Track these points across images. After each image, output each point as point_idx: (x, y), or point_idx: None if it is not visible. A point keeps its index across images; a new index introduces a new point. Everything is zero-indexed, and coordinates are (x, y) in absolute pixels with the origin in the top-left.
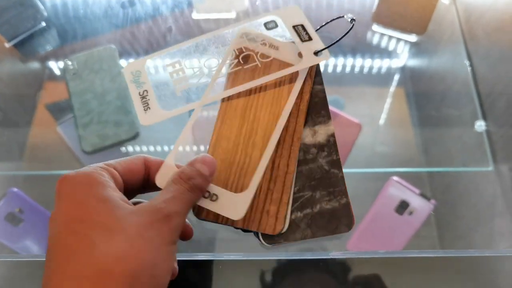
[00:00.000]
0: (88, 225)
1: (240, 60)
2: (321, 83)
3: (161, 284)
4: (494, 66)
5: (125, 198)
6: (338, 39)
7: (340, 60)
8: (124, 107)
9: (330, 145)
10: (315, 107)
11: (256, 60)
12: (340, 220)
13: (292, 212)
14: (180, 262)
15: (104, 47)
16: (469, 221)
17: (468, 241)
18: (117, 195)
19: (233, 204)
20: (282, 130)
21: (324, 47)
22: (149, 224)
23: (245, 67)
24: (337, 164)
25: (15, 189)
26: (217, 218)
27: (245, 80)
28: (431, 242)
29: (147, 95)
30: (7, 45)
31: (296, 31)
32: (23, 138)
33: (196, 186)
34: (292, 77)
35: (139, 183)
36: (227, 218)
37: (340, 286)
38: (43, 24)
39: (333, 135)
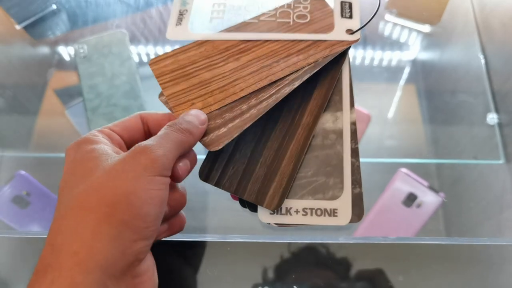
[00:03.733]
0: (76, 174)
1: (277, 13)
2: (349, 71)
3: (142, 214)
4: (509, 58)
5: (119, 151)
6: (369, 19)
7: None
8: (133, 92)
9: (350, 132)
10: (340, 93)
11: (291, 18)
12: (352, 209)
13: (303, 196)
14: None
15: (114, 31)
16: (477, 215)
17: (475, 235)
18: (108, 148)
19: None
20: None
21: (359, 28)
22: (128, 157)
23: (278, 20)
24: (354, 152)
25: (23, 172)
26: (219, 184)
27: (269, 30)
28: (438, 235)
29: (185, 14)
30: (17, 27)
31: (341, 6)
32: (31, 122)
33: (183, 129)
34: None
35: (140, 138)
36: (232, 185)
37: (344, 281)
38: (54, 6)
39: (354, 123)
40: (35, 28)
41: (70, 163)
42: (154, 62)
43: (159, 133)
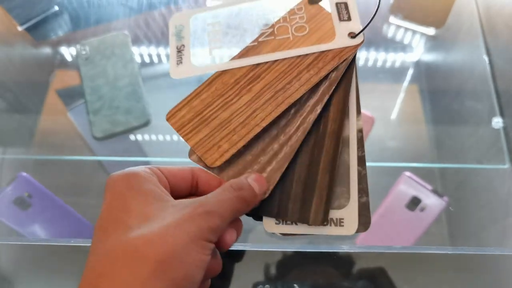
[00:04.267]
0: (126, 213)
1: (275, 30)
2: (355, 76)
3: (191, 275)
4: None
5: (169, 194)
6: (370, 20)
7: None
8: (136, 94)
9: (356, 140)
10: (346, 100)
11: (289, 32)
12: (358, 218)
13: None
14: None
15: (117, 33)
16: (481, 219)
17: (479, 240)
18: (159, 190)
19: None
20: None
21: (361, 29)
22: (188, 216)
23: (277, 38)
24: (361, 161)
25: (24, 174)
26: (257, 210)
27: (272, 51)
28: (441, 239)
29: (183, 50)
30: (19, 28)
31: (337, 8)
32: (33, 123)
33: (244, 198)
34: (322, 58)
35: (186, 190)
36: (273, 209)
37: (345, 279)
38: (56, 8)
39: (360, 131)
40: (37, 29)
41: (118, 197)
42: (171, 116)
43: (220, 193)
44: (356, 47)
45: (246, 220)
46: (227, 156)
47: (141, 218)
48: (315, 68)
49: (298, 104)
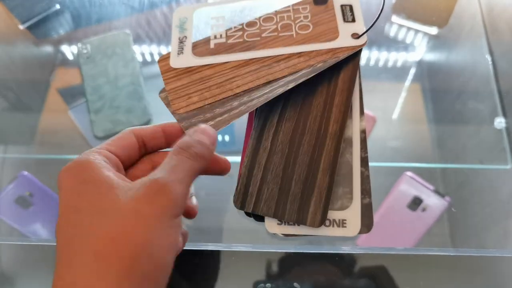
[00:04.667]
0: (81, 212)
1: (278, 27)
2: (359, 76)
3: (163, 263)
4: None
5: (123, 176)
6: (373, 21)
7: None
8: (137, 93)
9: (360, 141)
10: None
11: (293, 30)
12: (360, 220)
13: None
14: (188, 252)
15: (118, 32)
16: (483, 220)
17: (480, 240)
18: (112, 174)
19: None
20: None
21: (364, 31)
22: (145, 198)
23: (280, 34)
24: (364, 161)
25: (26, 173)
26: (256, 209)
27: (272, 47)
28: (443, 239)
29: (185, 41)
30: (21, 27)
31: (342, 10)
32: (34, 122)
33: (197, 154)
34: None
35: (136, 155)
36: (270, 208)
37: (346, 278)
38: (57, 6)
39: (364, 131)
40: (39, 28)
41: (70, 196)
42: (163, 59)
43: (172, 160)
44: (357, 48)
45: (247, 220)
46: (192, 107)
47: (98, 216)
48: (306, 56)
49: (275, 81)
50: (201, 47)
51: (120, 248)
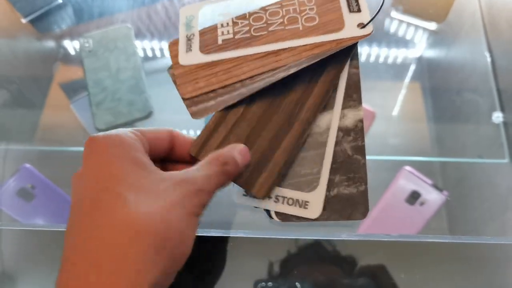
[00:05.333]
0: (121, 183)
1: (285, 21)
2: (357, 67)
3: (185, 253)
4: None
5: (152, 163)
6: (378, 9)
7: None
8: (138, 86)
9: (357, 130)
10: (348, 90)
11: (299, 23)
12: (356, 206)
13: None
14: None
15: (120, 26)
16: (481, 214)
17: (479, 234)
18: (145, 159)
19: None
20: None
21: (369, 20)
22: (184, 195)
23: (286, 28)
24: (361, 150)
25: (28, 165)
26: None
27: (279, 40)
28: (441, 234)
29: (192, 39)
30: (23, 20)
31: (347, 0)
32: (36, 115)
33: (228, 172)
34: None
35: (162, 154)
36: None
37: (346, 276)
38: (60, 0)
39: (361, 121)
40: (41, 21)
41: (105, 164)
42: (173, 43)
43: (207, 168)
44: (363, 37)
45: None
46: (198, 92)
47: (138, 191)
48: (312, 45)
49: (280, 68)
50: (209, 44)
51: (156, 227)
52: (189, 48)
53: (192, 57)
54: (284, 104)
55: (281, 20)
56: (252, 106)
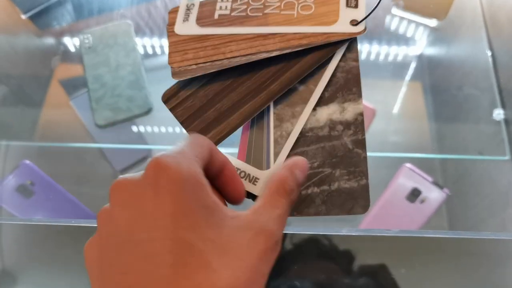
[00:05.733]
0: (200, 238)
1: (282, 5)
2: (357, 60)
3: None
4: None
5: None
6: (373, 9)
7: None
8: (138, 83)
9: (357, 123)
10: (347, 83)
11: (295, 10)
12: (356, 200)
13: (308, 186)
14: None
15: (119, 22)
16: (482, 211)
17: (479, 231)
18: (216, 199)
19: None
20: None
21: (362, 18)
22: (263, 252)
23: (282, 12)
24: (361, 144)
25: (27, 161)
26: (174, 110)
27: (271, 24)
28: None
29: (192, 9)
30: (23, 17)
31: None
32: (36, 112)
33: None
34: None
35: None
36: (183, 116)
37: (346, 276)
38: None
39: (361, 114)
40: (41, 18)
41: (187, 212)
42: (174, 11)
43: (279, 203)
44: (353, 34)
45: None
46: (186, 63)
47: (218, 251)
48: (301, 34)
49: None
50: (205, 17)
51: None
52: (186, 18)
53: (187, 27)
54: (259, 74)
55: (278, 4)
56: (229, 71)
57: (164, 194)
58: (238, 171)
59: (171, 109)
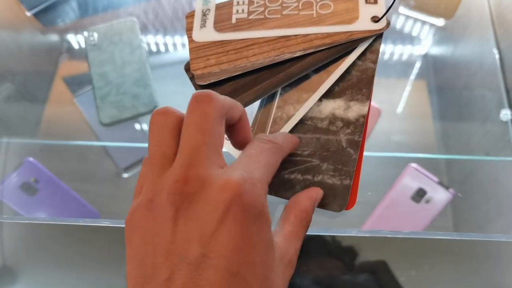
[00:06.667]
0: (254, 275)
1: (300, 5)
2: (375, 62)
3: None
4: None
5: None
6: (391, 4)
7: None
8: (143, 80)
9: (357, 124)
10: (359, 83)
11: (314, 9)
12: (335, 198)
13: (292, 172)
14: None
15: (125, 20)
16: (487, 212)
17: (485, 232)
18: (271, 235)
19: None
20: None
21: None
22: (288, 281)
23: (301, 13)
24: (355, 145)
25: (31, 159)
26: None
27: (291, 26)
28: (446, 232)
29: (208, 14)
30: (27, 14)
31: None
32: (40, 109)
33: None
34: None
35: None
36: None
37: (348, 272)
38: None
39: (364, 116)
40: (46, 15)
41: (249, 244)
42: (190, 15)
43: (300, 238)
44: (375, 31)
45: None
46: (209, 70)
47: (264, 285)
48: (324, 33)
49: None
50: (223, 21)
51: None
52: (203, 24)
53: (205, 34)
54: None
55: (296, 4)
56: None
57: (233, 222)
58: None
59: (190, 78)
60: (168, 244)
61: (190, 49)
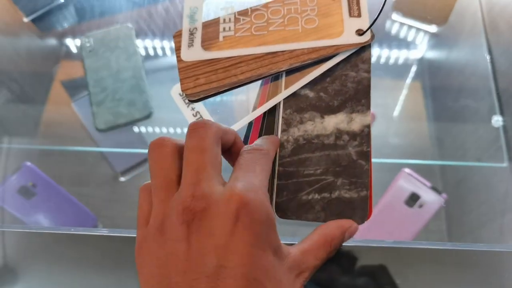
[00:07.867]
0: (269, 279)
1: (285, 21)
2: (368, 71)
3: None
4: None
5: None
6: (375, 18)
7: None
8: (139, 86)
9: (363, 135)
10: (357, 94)
11: (299, 24)
12: (355, 211)
13: (309, 193)
14: None
15: (121, 26)
16: (479, 217)
17: (477, 237)
18: (279, 239)
19: None
20: None
21: (367, 28)
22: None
23: (286, 29)
24: (365, 155)
25: (29, 163)
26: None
27: (278, 42)
28: (439, 236)
29: (195, 33)
30: (25, 19)
31: (349, 3)
32: (38, 114)
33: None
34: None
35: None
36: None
37: (346, 275)
38: (61, 0)
39: (368, 126)
40: (43, 20)
41: (260, 252)
42: (178, 34)
43: (319, 260)
44: (360, 44)
45: None
46: (199, 89)
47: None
48: (310, 48)
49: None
50: (210, 39)
51: None
52: (191, 44)
53: (194, 53)
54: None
55: (282, 20)
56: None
57: (243, 230)
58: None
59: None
60: (183, 263)
61: (179, 69)
